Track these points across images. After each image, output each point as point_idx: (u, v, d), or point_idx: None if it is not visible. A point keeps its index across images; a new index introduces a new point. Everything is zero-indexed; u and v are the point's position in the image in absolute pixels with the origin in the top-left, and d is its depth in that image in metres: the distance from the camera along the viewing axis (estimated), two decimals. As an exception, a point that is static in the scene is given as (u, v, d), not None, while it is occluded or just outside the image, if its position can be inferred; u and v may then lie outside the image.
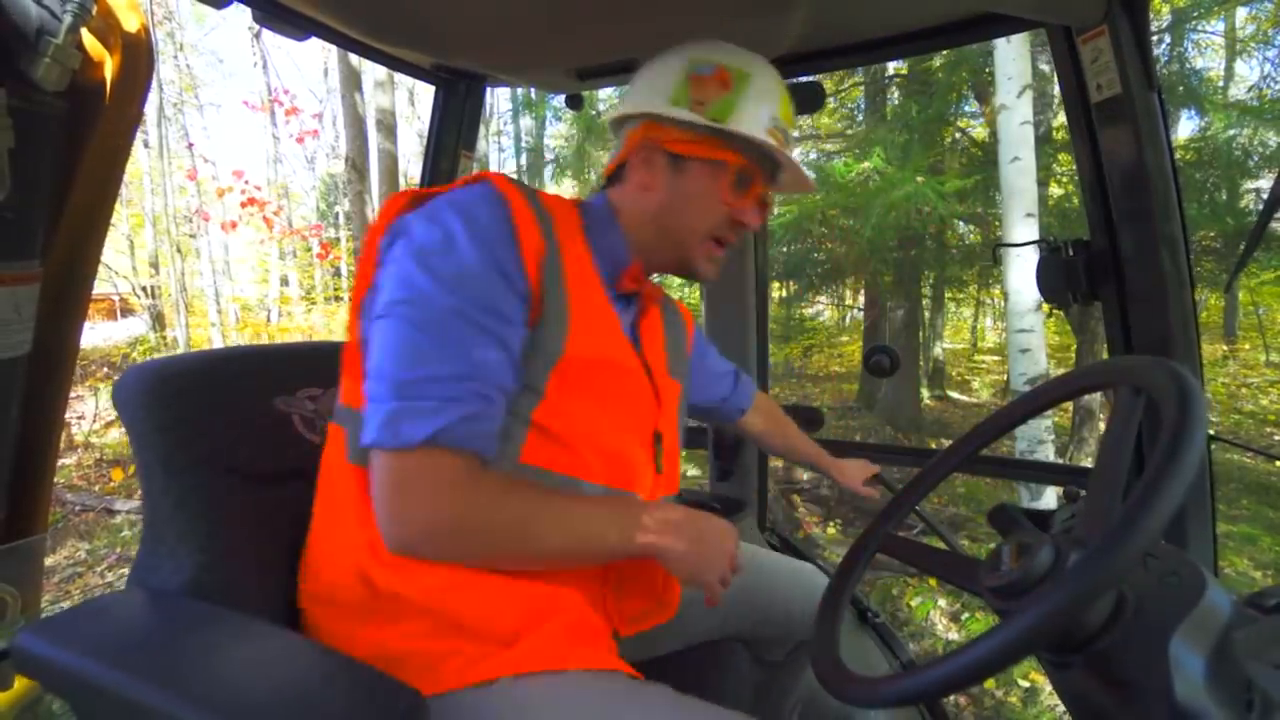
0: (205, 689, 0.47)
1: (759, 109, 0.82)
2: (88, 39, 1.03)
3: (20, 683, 1.16)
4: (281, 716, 0.46)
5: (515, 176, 0.83)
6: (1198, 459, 0.42)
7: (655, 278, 0.94)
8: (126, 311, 11.15)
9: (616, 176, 0.88)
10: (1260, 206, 4.01)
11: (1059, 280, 1.18)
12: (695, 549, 0.72)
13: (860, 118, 6.96)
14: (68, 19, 0.94)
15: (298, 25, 1.23)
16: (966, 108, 5.81)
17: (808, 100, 1.51)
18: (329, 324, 9.21)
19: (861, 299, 7.77)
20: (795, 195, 6.34)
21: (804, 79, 1.52)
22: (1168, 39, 4.33)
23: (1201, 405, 0.44)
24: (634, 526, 0.70)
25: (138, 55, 1.11)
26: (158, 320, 9.93)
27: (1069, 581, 0.42)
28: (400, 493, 0.63)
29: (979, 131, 6.01)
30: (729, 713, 0.67)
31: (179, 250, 9.89)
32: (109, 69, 1.08)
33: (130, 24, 1.09)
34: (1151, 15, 1.10)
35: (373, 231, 0.74)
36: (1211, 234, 4.01)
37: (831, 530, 4.69)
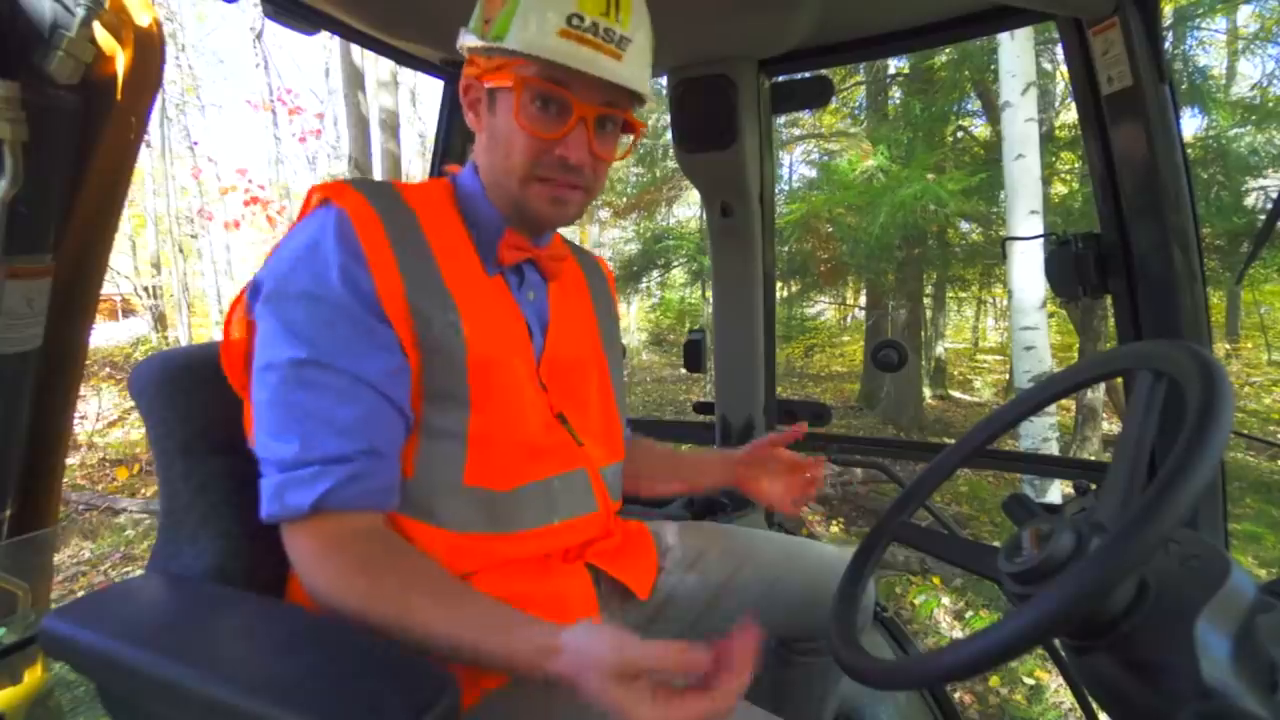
0: (237, 668, 0.48)
1: (544, 10, 0.68)
2: (100, 34, 1.03)
3: (30, 676, 1.16)
4: (316, 694, 0.46)
5: (368, 177, 0.78)
6: (1225, 439, 0.42)
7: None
8: (128, 312, 11.17)
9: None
10: (1265, 203, 4.00)
11: (1068, 273, 1.18)
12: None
13: (862, 116, 6.95)
14: (81, 12, 0.94)
15: (307, 19, 1.23)
16: (969, 106, 5.82)
17: (816, 95, 1.51)
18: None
19: (863, 298, 7.77)
20: (800, 195, 6.33)
21: (812, 74, 1.52)
22: (1171, 36, 4.33)
23: (1227, 385, 0.44)
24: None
25: (150, 50, 1.11)
26: (159, 320, 9.94)
27: (1097, 562, 0.42)
28: (305, 559, 0.61)
29: (980, 131, 6.01)
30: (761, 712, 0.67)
31: (181, 250, 9.90)
32: (121, 63, 1.08)
33: (142, 19, 1.10)
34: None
35: (243, 290, 0.70)
36: (1214, 231, 4.01)
37: (835, 529, 4.69)
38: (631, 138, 0.81)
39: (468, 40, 0.74)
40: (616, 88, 0.72)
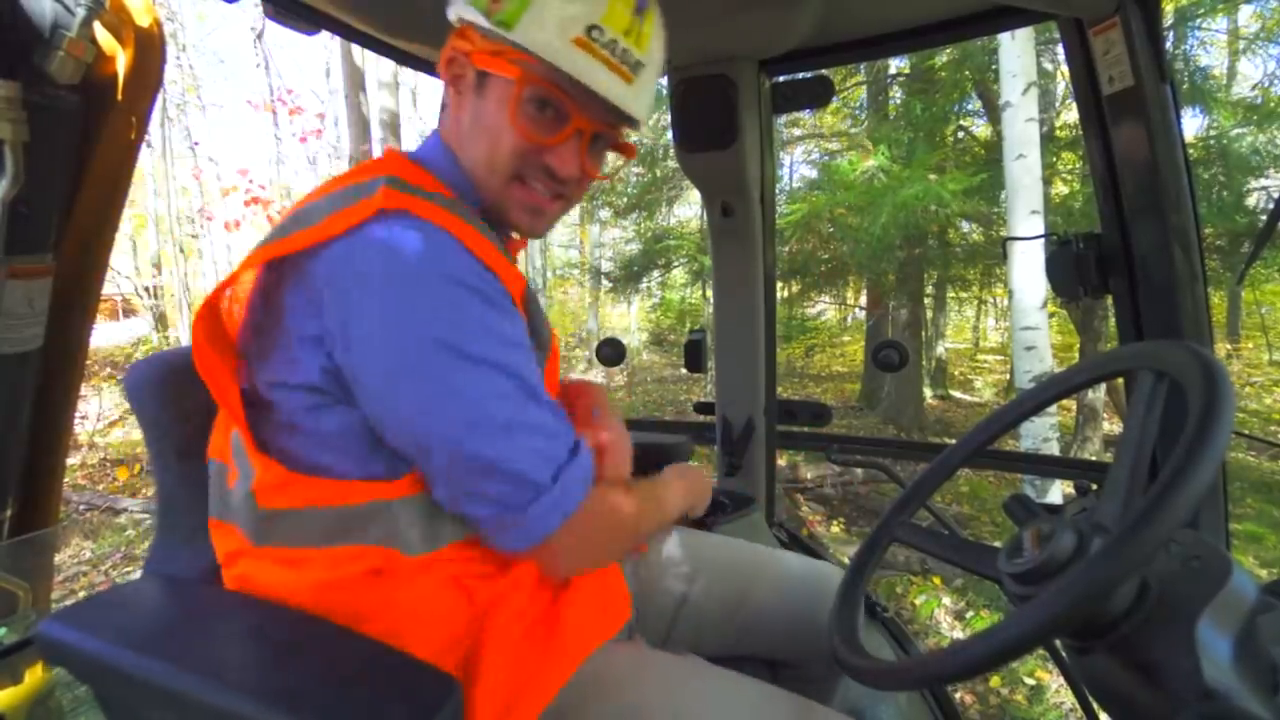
0: (237, 674, 0.47)
1: (563, 8, 0.63)
2: (101, 34, 1.03)
3: (31, 676, 1.16)
4: (314, 699, 0.46)
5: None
6: (1226, 439, 0.42)
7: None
8: (129, 312, 11.17)
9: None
10: (1266, 203, 4.00)
11: (1069, 274, 1.17)
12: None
13: (863, 116, 6.95)
14: (81, 13, 0.95)
15: (307, 19, 1.22)
16: (969, 106, 5.81)
17: (816, 95, 1.51)
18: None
19: (863, 299, 7.76)
20: (800, 195, 6.33)
21: (812, 74, 1.52)
22: (1171, 36, 4.32)
23: (1229, 385, 0.44)
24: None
25: (150, 50, 1.11)
26: (160, 321, 9.94)
27: (1098, 563, 0.41)
28: (570, 553, 0.65)
29: (981, 131, 6.01)
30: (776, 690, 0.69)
31: (181, 250, 9.90)
32: (121, 63, 1.08)
33: (143, 19, 1.10)
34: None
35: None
36: (1215, 231, 4.00)
37: (835, 529, 4.69)
38: (623, 158, 0.81)
39: (467, 13, 0.67)
40: (619, 109, 0.69)
